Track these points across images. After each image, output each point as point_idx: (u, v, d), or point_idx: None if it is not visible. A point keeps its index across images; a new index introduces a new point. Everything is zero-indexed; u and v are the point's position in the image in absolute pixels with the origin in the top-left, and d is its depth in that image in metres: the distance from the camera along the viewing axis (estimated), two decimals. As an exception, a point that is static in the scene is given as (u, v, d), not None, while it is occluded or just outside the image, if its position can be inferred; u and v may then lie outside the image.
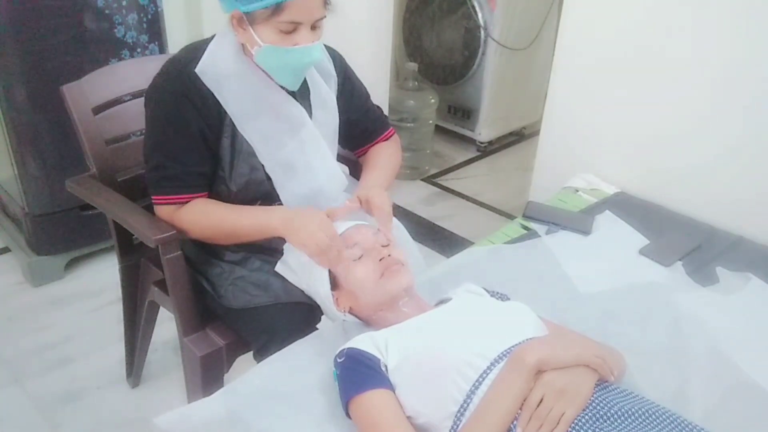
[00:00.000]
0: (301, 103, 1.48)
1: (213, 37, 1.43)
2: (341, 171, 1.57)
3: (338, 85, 1.57)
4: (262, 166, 1.44)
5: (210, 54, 1.38)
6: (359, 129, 1.65)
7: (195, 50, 1.40)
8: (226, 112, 1.40)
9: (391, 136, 1.71)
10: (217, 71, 1.37)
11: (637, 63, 1.97)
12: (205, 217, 1.42)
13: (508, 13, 3.32)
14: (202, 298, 1.55)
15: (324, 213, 1.35)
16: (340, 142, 1.63)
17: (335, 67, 1.56)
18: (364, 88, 1.66)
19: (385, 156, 1.65)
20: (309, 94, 1.50)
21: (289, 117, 1.46)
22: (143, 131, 1.76)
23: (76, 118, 1.62)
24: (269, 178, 1.46)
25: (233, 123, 1.41)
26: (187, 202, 1.42)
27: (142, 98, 1.73)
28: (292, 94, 1.46)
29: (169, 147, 1.39)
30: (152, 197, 1.45)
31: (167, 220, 1.44)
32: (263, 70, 1.41)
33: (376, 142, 1.68)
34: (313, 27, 1.34)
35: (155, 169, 1.42)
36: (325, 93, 1.53)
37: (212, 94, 1.37)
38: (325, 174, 1.52)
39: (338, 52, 1.60)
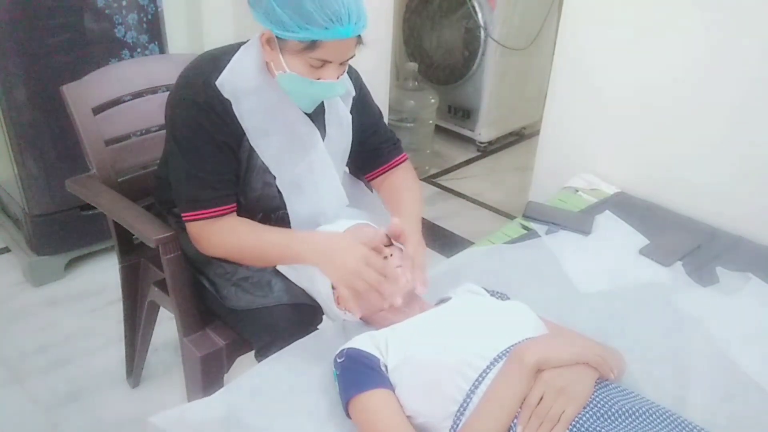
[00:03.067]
0: (315, 121, 1.47)
1: (234, 46, 1.41)
2: (343, 189, 1.55)
3: (352, 100, 1.55)
4: (275, 179, 1.44)
5: (232, 67, 1.36)
6: (369, 148, 1.62)
7: (216, 61, 1.37)
8: None
9: (404, 162, 1.66)
10: (237, 85, 1.35)
11: (636, 63, 1.98)
12: (237, 238, 1.38)
13: (508, 13, 3.32)
14: (202, 298, 1.55)
15: (363, 244, 1.28)
16: (352, 166, 1.62)
17: (352, 82, 1.54)
18: (377, 107, 1.64)
19: (410, 189, 1.59)
20: (324, 112, 1.49)
21: (301, 137, 1.45)
22: (143, 131, 1.77)
23: (76, 118, 1.62)
24: (281, 193, 1.45)
25: None
26: (221, 214, 1.38)
27: (142, 98, 1.75)
28: (308, 113, 1.45)
29: (202, 158, 1.36)
30: (185, 214, 1.39)
31: (198, 237, 1.39)
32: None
33: (389, 167, 1.63)
34: (341, 63, 1.32)
35: (189, 181, 1.37)
36: (342, 111, 1.52)
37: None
38: (329, 195, 1.51)
39: (355, 69, 1.58)
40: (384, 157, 1.63)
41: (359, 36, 1.31)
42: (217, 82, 1.34)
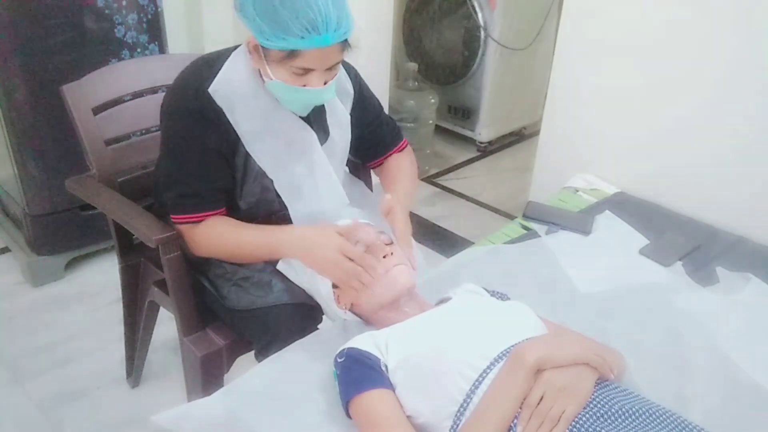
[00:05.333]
0: (315, 124, 1.47)
1: (227, 51, 1.41)
2: (343, 189, 1.56)
3: (353, 100, 1.56)
4: (272, 183, 1.44)
5: (225, 73, 1.36)
6: (373, 142, 1.64)
7: (209, 66, 1.37)
8: None
9: (404, 148, 1.69)
10: (230, 91, 1.35)
11: (636, 63, 1.97)
12: (218, 238, 1.40)
13: (508, 13, 3.32)
14: (202, 298, 1.55)
15: (338, 233, 1.30)
16: (352, 154, 1.63)
17: (351, 82, 1.55)
18: (377, 100, 1.65)
19: (405, 171, 1.62)
20: (325, 114, 1.49)
21: (298, 140, 1.45)
22: (143, 131, 1.77)
23: (76, 118, 1.62)
24: (279, 197, 1.46)
25: None
26: (206, 218, 1.40)
27: (142, 98, 1.75)
28: (305, 116, 1.45)
29: (190, 163, 1.37)
30: (172, 216, 1.42)
31: (185, 239, 1.42)
32: None
33: (390, 154, 1.67)
34: (329, 68, 1.31)
35: (176, 186, 1.39)
36: (341, 112, 1.52)
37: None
38: (329, 197, 1.52)
39: (353, 67, 1.58)
40: (386, 146, 1.66)
41: (346, 41, 1.29)
42: (210, 89, 1.34)
